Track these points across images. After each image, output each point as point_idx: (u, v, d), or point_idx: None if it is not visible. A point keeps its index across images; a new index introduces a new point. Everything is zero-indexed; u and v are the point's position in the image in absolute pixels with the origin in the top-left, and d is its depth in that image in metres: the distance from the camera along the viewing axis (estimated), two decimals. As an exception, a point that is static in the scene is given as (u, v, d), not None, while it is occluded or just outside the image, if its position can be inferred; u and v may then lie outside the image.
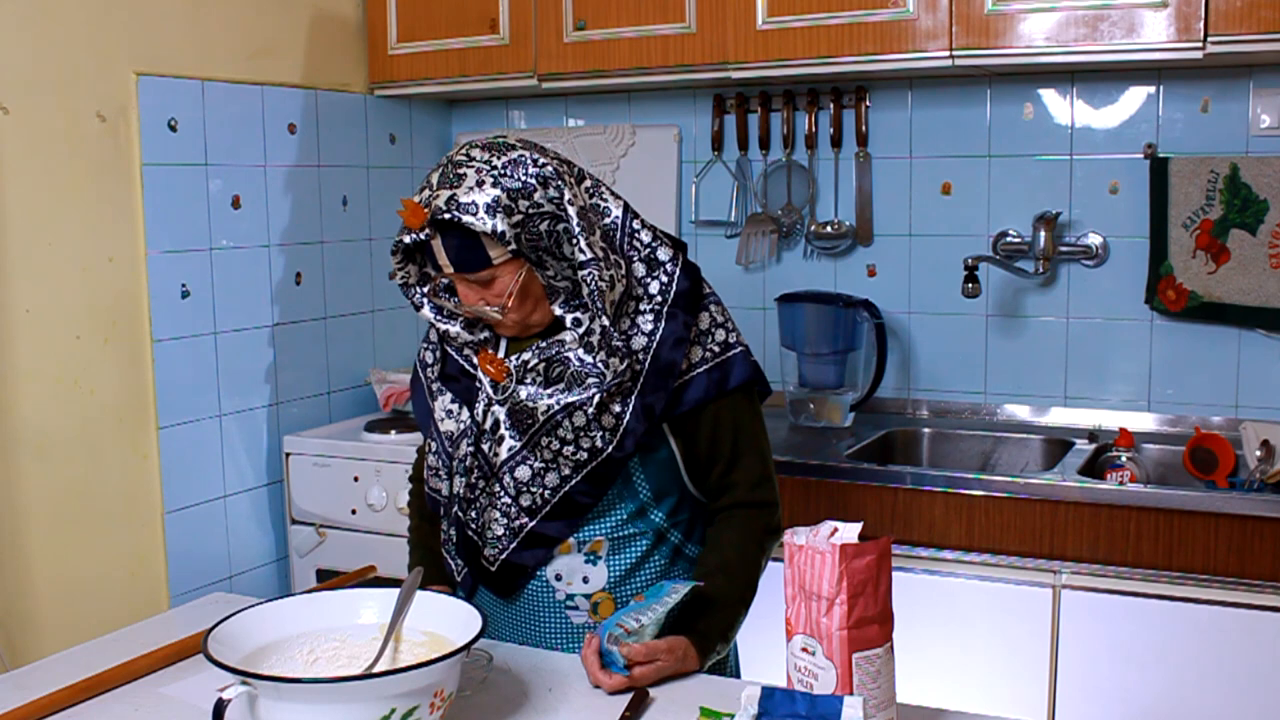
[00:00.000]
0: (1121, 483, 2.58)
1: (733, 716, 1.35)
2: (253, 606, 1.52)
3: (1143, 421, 2.89)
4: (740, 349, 1.73)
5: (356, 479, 2.91)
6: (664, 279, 1.68)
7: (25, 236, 2.46)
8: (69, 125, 2.54)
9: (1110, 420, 2.90)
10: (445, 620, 1.48)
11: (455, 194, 1.57)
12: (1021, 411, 3.03)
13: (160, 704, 1.57)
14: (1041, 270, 2.91)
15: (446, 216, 1.57)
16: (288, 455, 3.01)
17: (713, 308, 1.73)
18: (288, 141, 3.04)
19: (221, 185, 2.86)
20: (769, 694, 1.33)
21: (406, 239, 1.63)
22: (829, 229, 3.15)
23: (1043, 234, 2.88)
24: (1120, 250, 2.90)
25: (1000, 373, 3.05)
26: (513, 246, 1.58)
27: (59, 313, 2.54)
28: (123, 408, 2.67)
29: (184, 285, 2.78)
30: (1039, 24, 2.55)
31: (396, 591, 1.54)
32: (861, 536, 1.38)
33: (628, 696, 1.55)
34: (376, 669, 1.45)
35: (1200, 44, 2.43)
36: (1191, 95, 2.80)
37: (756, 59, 2.80)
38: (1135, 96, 2.85)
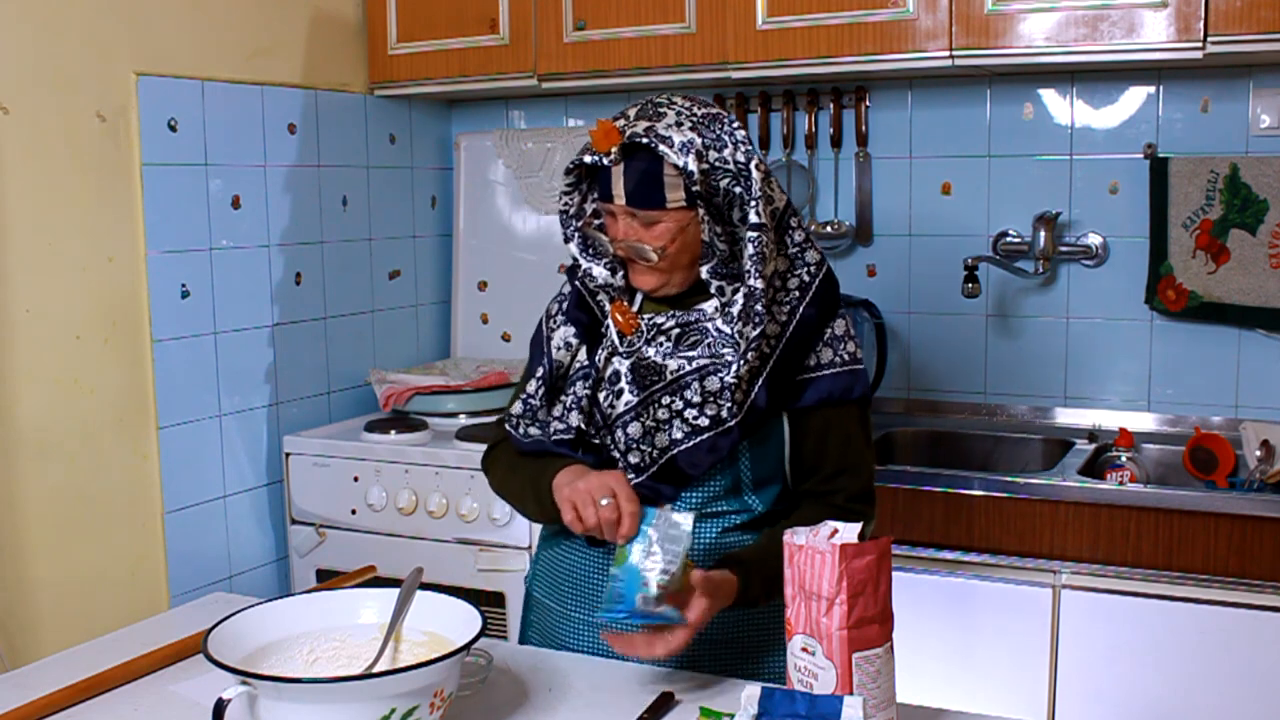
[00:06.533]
0: (1121, 483, 2.58)
1: (733, 716, 1.35)
2: (253, 606, 1.52)
3: (1143, 421, 2.89)
4: (864, 366, 1.75)
5: (356, 479, 2.91)
6: (805, 278, 1.70)
7: (25, 236, 2.46)
8: (69, 125, 2.54)
9: (1110, 420, 2.90)
10: (445, 620, 1.48)
11: (654, 125, 1.60)
12: (1021, 411, 3.03)
13: (161, 703, 1.57)
14: (1041, 270, 2.91)
15: (644, 140, 1.58)
16: (288, 455, 3.01)
17: (847, 318, 1.75)
18: (288, 141, 3.04)
19: (221, 185, 2.86)
20: (769, 694, 1.33)
21: (588, 158, 1.62)
22: (829, 229, 3.15)
23: (1043, 234, 2.88)
24: (1120, 250, 2.90)
25: (1000, 373, 3.05)
26: (696, 188, 1.59)
27: (59, 313, 2.54)
28: (123, 408, 2.67)
29: (184, 285, 2.78)
30: (1039, 24, 2.55)
31: (396, 591, 1.54)
32: (861, 536, 1.38)
33: (643, 697, 1.55)
34: (376, 669, 1.45)
35: (1200, 44, 2.43)
36: (1191, 95, 2.80)
37: (756, 59, 2.80)
38: (1135, 96, 2.85)
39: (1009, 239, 2.98)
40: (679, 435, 1.66)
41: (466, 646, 1.37)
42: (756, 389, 1.65)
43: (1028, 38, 2.56)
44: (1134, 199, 2.86)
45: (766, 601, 1.65)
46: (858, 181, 3.13)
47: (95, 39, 2.58)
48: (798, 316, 1.68)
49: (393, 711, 1.31)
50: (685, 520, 1.53)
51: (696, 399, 1.65)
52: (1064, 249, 2.93)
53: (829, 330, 1.71)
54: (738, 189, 1.62)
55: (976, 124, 3.01)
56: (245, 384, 2.96)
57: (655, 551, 1.51)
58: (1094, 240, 2.92)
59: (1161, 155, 2.80)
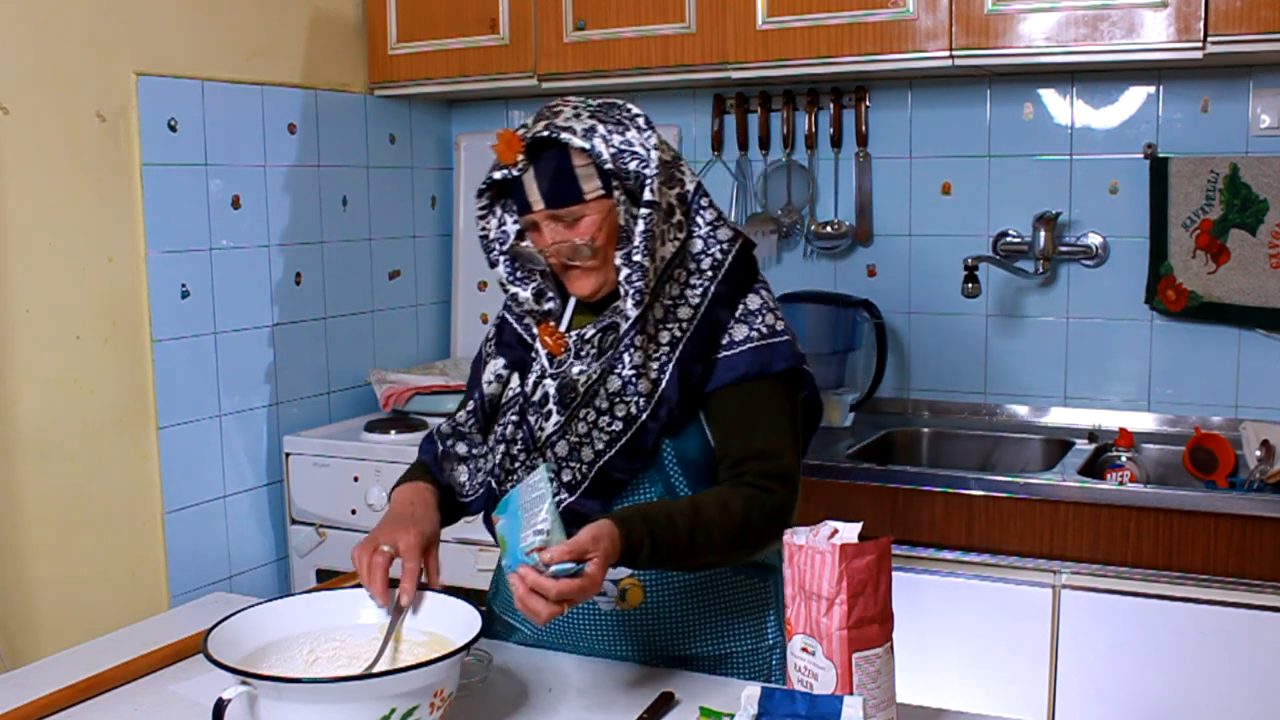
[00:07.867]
0: (1121, 483, 2.58)
1: (733, 716, 1.35)
2: (253, 606, 1.52)
3: (1143, 421, 2.89)
4: (787, 338, 1.68)
5: (356, 479, 2.91)
6: (719, 255, 1.67)
7: (25, 236, 2.46)
8: (69, 125, 2.54)
9: (1110, 420, 2.90)
10: (445, 620, 1.48)
11: (553, 121, 1.60)
12: (1021, 411, 3.03)
13: (161, 703, 1.57)
14: (1041, 270, 2.91)
15: (545, 134, 1.58)
16: (288, 455, 3.01)
17: (763, 292, 1.70)
18: (288, 141, 3.04)
19: (221, 185, 2.86)
20: (769, 694, 1.33)
21: (496, 175, 1.62)
22: (829, 229, 3.15)
23: (1043, 234, 2.88)
24: (1120, 250, 2.90)
25: (1000, 373, 3.05)
26: (609, 166, 1.59)
27: (59, 313, 2.54)
28: (123, 408, 2.67)
29: (184, 285, 2.78)
30: (1039, 24, 2.54)
31: (396, 591, 1.54)
32: (861, 536, 1.38)
33: (643, 698, 1.54)
34: (376, 669, 1.45)
35: (1200, 44, 2.43)
36: (1191, 95, 2.80)
37: (756, 59, 2.80)
38: (1135, 96, 2.85)
39: (1009, 239, 2.98)
40: (600, 446, 1.63)
41: (466, 646, 1.37)
42: (666, 378, 1.61)
43: (1028, 38, 2.56)
44: (1134, 199, 2.86)
45: (658, 556, 1.50)
46: (858, 181, 3.13)
47: (95, 39, 2.58)
48: (709, 296, 1.65)
49: (393, 711, 1.31)
50: (540, 475, 1.49)
51: (605, 404, 1.62)
52: (1064, 249, 2.93)
53: (741, 305, 1.66)
54: (646, 170, 1.61)
55: (976, 124, 3.01)
56: (245, 384, 2.96)
57: (526, 520, 1.44)
58: (1094, 240, 2.91)
59: (1161, 155, 2.80)
